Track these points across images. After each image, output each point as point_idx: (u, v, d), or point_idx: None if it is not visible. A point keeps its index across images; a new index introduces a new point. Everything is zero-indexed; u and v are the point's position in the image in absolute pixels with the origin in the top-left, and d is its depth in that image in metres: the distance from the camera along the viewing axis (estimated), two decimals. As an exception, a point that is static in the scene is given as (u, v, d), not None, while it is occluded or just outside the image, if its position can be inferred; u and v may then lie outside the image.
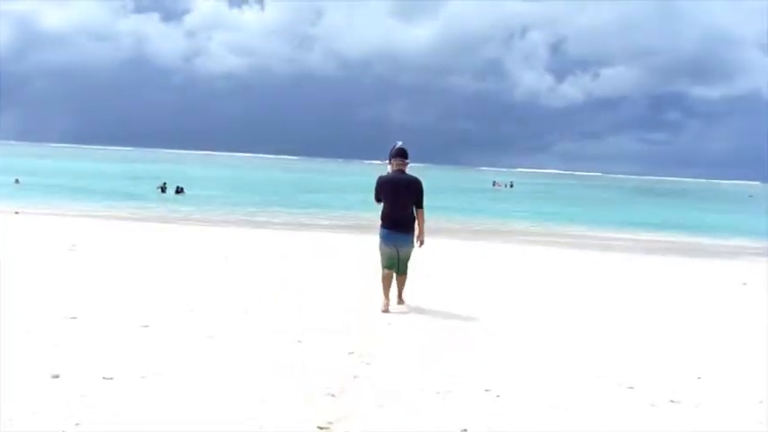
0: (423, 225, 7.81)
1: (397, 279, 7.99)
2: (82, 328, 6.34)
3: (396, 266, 7.87)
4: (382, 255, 7.91)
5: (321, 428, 4.24)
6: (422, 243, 7.90)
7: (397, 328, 7.07)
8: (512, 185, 73.60)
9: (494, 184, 73.44)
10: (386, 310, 7.79)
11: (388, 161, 7.88)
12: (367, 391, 4.96)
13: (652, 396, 5.22)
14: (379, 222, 7.91)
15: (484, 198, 50.92)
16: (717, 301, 10.52)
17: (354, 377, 5.30)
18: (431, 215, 8.50)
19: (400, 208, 7.72)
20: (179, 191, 36.28)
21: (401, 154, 7.81)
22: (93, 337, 5.99)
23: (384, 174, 7.89)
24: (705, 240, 25.52)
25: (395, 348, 6.25)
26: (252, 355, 5.77)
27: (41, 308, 6.98)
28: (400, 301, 8.11)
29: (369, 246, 14.87)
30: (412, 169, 8.00)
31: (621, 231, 27.61)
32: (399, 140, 7.93)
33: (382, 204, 7.84)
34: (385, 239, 7.84)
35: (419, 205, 7.78)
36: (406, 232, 7.74)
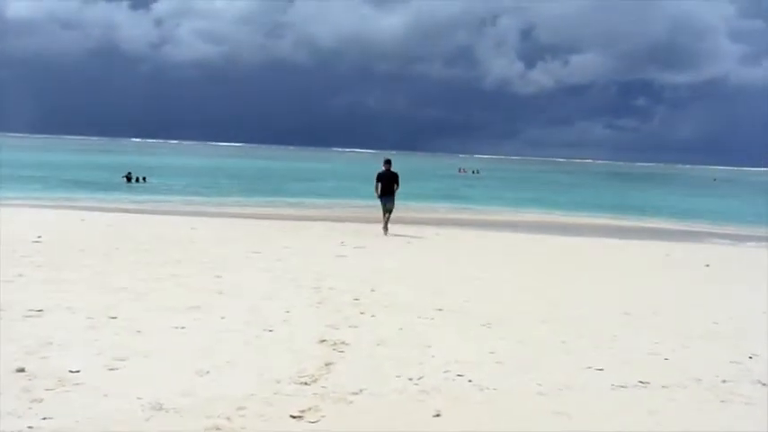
0: (398, 189, 16.06)
1: (388, 218, 15.91)
2: (47, 320, 6.20)
3: (386, 212, 15.92)
4: (382, 208, 15.99)
5: (294, 417, 4.22)
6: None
7: (369, 316, 7.06)
8: (477, 172, 74.88)
9: (459, 171, 75.04)
10: (383, 230, 15.72)
11: (383, 164, 16.00)
12: (340, 379, 4.95)
13: (621, 377, 5.32)
14: (378, 195, 16.01)
15: (452, 184, 51.06)
16: (682, 282, 10.75)
17: (327, 365, 5.28)
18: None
19: (387, 187, 15.91)
20: (139, 179, 35.70)
21: (388, 162, 16.01)
22: (58, 330, 5.86)
23: (380, 170, 16.05)
24: (670, 224, 26.01)
25: (367, 336, 6.24)
26: (221, 345, 5.71)
27: (6, 301, 6.80)
28: (387, 230, 15.70)
29: (338, 234, 14.87)
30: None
31: (588, 215, 27.97)
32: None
33: (380, 184, 15.91)
34: (381, 201, 15.99)
35: (397, 185, 16.04)
36: (390, 196, 15.92)
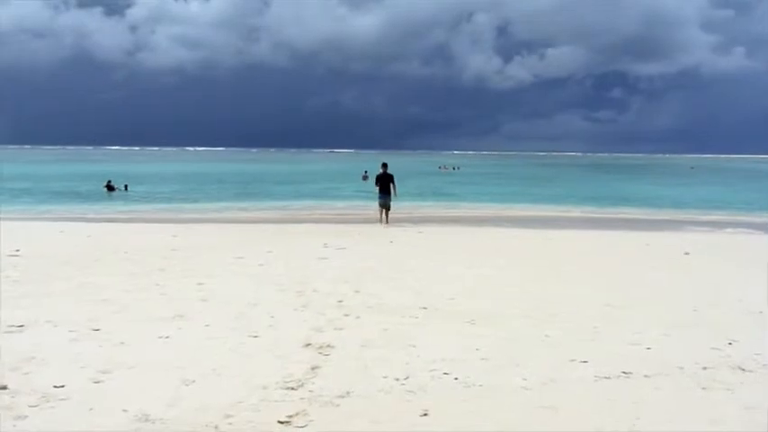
0: (396, 190, 19.06)
1: (385, 214, 18.84)
2: (29, 335, 6.14)
3: (383, 208, 18.85)
4: (379, 205, 18.98)
5: (281, 423, 4.23)
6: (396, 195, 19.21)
7: (354, 318, 7.08)
8: (458, 168, 75.57)
9: (440, 168, 75.53)
10: (380, 222, 18.58)
11: (380, 166, 19.42)
12: (326, 383, 4.97)
13: (605, 369, 5.39)
14: (377, 193, 19.11)
15: (434, 182, 51.20)
16: (662, 271, 10.87)
17: (313, 369, 5.29)
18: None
19: (384, 186, 18.93)
20: (118, 188, 35.19)
21: (385, 165, 19.31)
22: (41, 345, 5.81)
23: (378, 171, 19.58)
24: (649, 213, 26.30)
25: (352, 338, 6.26)
26: (206, 353, 5.69)
27: (-15, 317, 6.72)
28: (387, 224, 18.42)
29: (321, 235, 14.86)
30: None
31: (567, 208, 28.17)
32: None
33: (379, 184, 19.09)
34: (379, 199, 19.05)
35: (394, 184, 18.92)
36: (387, 195, 18.87)
